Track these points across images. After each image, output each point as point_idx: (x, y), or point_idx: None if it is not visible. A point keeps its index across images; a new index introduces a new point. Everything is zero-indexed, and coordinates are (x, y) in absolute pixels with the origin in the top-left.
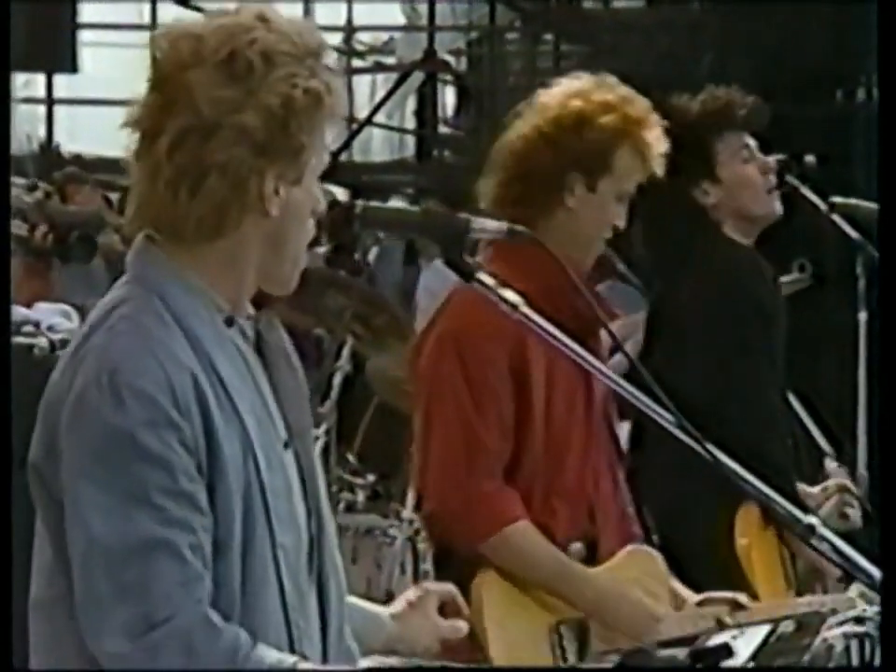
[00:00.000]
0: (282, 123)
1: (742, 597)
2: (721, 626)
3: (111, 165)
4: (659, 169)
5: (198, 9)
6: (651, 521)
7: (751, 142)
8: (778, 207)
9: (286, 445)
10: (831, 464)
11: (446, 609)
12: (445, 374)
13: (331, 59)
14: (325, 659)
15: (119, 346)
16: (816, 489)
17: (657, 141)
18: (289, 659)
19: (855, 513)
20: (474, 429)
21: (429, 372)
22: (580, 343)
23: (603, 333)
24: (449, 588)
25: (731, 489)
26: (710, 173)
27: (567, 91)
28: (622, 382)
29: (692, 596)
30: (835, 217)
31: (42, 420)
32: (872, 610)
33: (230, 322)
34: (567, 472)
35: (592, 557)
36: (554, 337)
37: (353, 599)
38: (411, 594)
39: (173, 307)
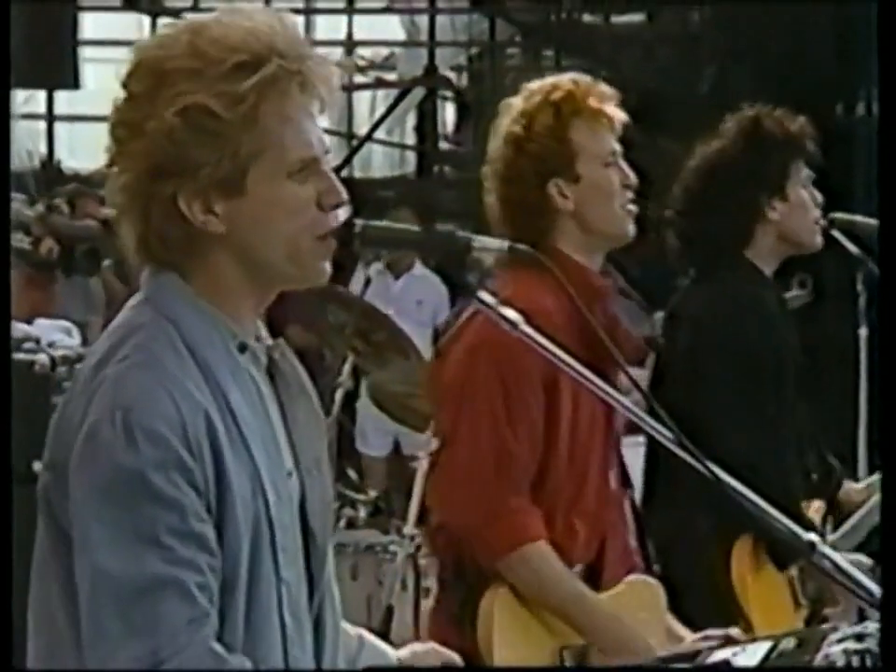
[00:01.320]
0: (171, 143)
1: (735, 632)
2: None
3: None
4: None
5: None
6: (652, 549)
7: (807, 171)
8: (820, 240)
9: (289, 475)
10: None
11: None
12: (480, 383)
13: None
14: None
15: (134, 382)
16: (860, 485)
17: (598, 103)
18: None
19: None
20: (505, 441)
21: (460, 381)
22: (589, 361)
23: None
24: (454, 657)
25: (728, 520)
26: (782, 191)
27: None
28: (622, 399)
29: (688, 636)
30: (835, 233)
31: (51, 445)
32: (872, 626)
33: (242, 348)
34: (588, 494)
35: (595, 583)
36: (555, 355)
37: (366, 634)
38: (418, 646)
39: (186, 335)
